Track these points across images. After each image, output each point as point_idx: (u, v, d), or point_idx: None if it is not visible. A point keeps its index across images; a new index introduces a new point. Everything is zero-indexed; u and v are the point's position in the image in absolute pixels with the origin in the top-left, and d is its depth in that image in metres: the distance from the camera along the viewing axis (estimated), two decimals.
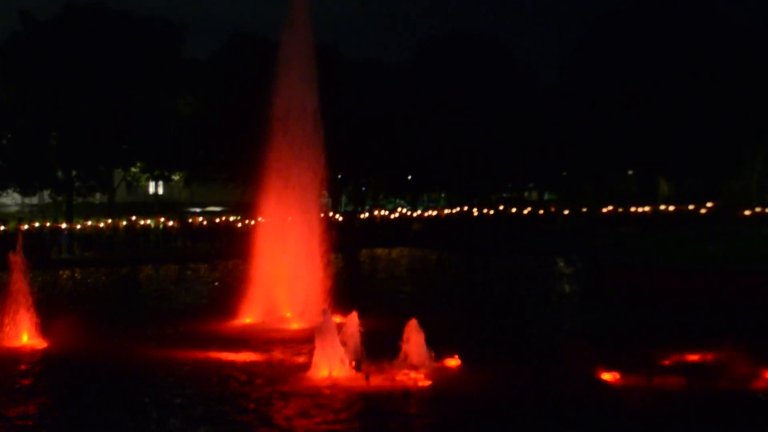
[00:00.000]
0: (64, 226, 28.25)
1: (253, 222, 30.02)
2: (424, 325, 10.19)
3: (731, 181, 49.19)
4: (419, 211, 46.25)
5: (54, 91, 35.08)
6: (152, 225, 32.45)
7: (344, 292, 14.72)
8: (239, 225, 33.41)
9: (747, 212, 35.04)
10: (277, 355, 11.44)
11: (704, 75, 40.97)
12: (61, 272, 24.76)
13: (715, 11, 43.53)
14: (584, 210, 40.11)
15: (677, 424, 8.24)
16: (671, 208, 38.06)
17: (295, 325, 13.64)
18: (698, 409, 8.68)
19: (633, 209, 38.48)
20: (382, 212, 43.12)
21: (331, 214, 36.20)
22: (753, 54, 41.15)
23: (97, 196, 44.57)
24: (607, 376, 9.81)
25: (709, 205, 37.40)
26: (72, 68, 34.89)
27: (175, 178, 47.49)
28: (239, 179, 39.94)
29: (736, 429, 8.14)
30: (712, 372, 9.95)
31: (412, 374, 9.86)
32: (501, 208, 44.77)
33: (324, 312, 10.23)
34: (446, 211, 45.21)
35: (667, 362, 10.49)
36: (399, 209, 48.63)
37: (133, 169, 43.71)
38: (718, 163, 43.73)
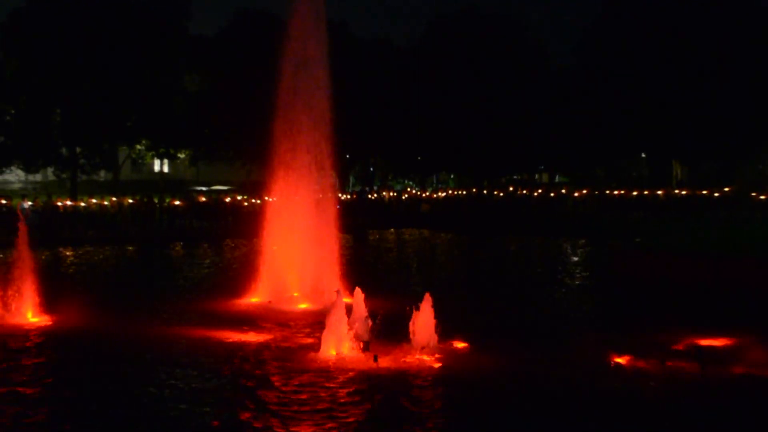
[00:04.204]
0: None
1: (259, 201, 30.05)
2: (433, 307, 10.04)
3: (747, 165, 48.55)
4: (428, 192, 45.96)
5: (58, 66, 34.79)
6: (157, 203, 32.33)
7: (353, 272, 14.59)
8: (245, 204, 33.28)
9: (762, 197, 34.44)
10: (284, 334, 11.33)
11: (721, 57, 40.22)
12: (65, 250, 24.72)
13: None
14: (595, 193, 39.72)
15: (690, 408, 8.10)
16: (684, 192, 37.60)
17: (302, 305, 13.52)
18: (712, 393, 8.54)
19: (646, 193, 38.06)
20: (391, 193, 42.93)
21: (339, 194, 35.99)
22: None
23: (102, 173, 44.56)
24: (619, 360, 9.66)
25: (724, 189, 36.86)
26: (76, 44, 34.56)
27: (181, 156, 47.40)
28: (246, 158, 39.82)
29: (750, 414, 7.96)
30: (726, 357, 9.81)
31: (422, 356, 9.72)
32: (511, 189, 44.45)
33: (337, 292, 10.10)
34: (456, 193, 44.94)
35: (680, 347, 10.32)
36: (408, 190, 48.34)
37: (139, 147, 43.62)
38: (733, 147, 43.10)
